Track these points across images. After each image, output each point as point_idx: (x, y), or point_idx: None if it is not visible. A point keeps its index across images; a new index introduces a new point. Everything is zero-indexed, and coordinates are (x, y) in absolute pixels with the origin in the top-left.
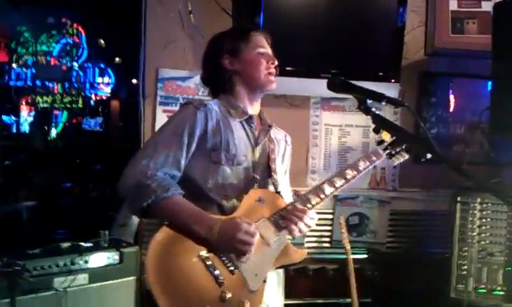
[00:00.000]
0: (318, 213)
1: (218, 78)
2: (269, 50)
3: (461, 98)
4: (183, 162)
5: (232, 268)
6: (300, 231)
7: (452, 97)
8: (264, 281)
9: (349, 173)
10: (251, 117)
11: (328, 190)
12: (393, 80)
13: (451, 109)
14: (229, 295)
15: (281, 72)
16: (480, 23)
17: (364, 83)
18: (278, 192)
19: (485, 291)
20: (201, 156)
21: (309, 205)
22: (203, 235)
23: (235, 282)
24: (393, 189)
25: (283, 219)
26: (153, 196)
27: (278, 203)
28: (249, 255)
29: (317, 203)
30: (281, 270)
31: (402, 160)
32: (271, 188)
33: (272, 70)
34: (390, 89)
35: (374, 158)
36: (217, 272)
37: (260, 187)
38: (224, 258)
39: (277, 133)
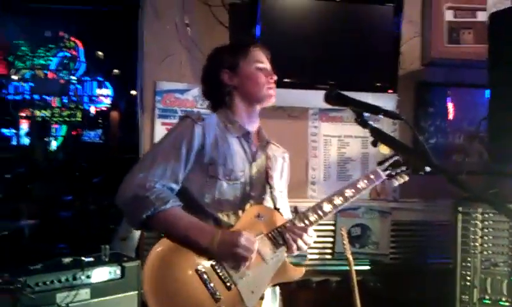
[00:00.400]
0: (319, 224)
1: (217, 93)
2: (267, 65)
3: (459, 107)
4: (181, 176)
5: (229, 283)
6: (299, 248)
7: (449, 107)
8: (261, 298)
9: (348, 192)
10: (248, 133)
11: (327, 208)
12: (390, 91)
13: (449, 119)
14: None
15: (279, 84)
16: (476, 33)
17: (361, 94)
18: (277, 209)
19: (490, 302)
20: (199, 170)
21: (307, 223)
22: (203, 245)
23: (232, 298)
24: (393, 200)
25: (282, 236)
26: (152, 208)
27: (277, 220)
28: (248, 264)
29: (316, 221)
30: (277, 287)
31: (402, 181)
32: (269, 204)
33: (272, 85)
34: (387, 100)
35: (374, 179)
36: (214, 287)
37: (256, 203)
38: (221, 274)
39: (275, 151)
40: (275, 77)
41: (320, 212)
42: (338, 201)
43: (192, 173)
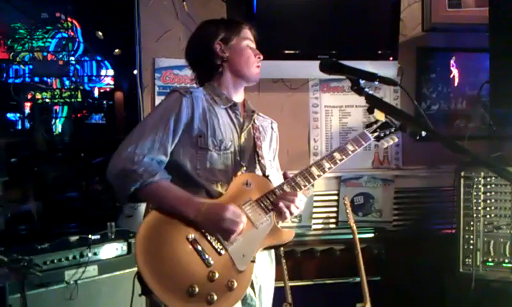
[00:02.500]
0: (323, 194)
1: (207, 63)
2: (254, 44)
3: (461, 72)
4: (169, 148)
5: (219, 249)
6: (290, 213)
7: (452, 72)
8: (253, 261)
9: (337, 156)
10: (235, 104)
11: (316, 172)
12: (391, 58)
13: (451, 84)
14: (217, 275)
15: (279, 56)
16: None
17: (362, 62)
18: (266, 176)
19: (493, 264)
20: (189, 142)
21: (297, 187)
22: (190, 216)
23: (223, 262)
24: (396, 167)
25: (271, 202)
26: (140, 181)
27: (266, 186)
28: (237, 236)
29: (305, 186)
30: (272, 251)
31: (391, 142)
32: (259, 172)
33: (259, 64)
34: (389, 67)
35: (362, 141)
36: (204, 253)
37: (246, 171)
38: (211, 240)
39: (262, 121)
40: (262, 57)
41: (309, 177)
42: (327, 164)
43: (183, 146)
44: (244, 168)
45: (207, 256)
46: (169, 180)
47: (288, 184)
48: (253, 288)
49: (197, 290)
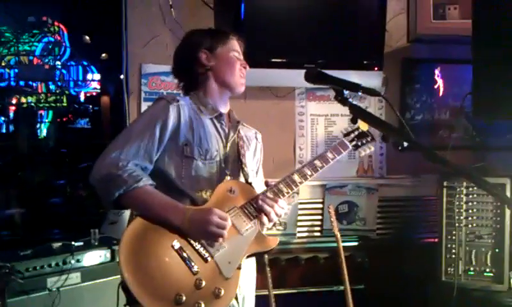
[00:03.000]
0: (308, 202)
1: (192, 72)
2: (241, 57)
3: (446, 83)
4: (154, 155)
5: (205, 256)
6: (270, 220)
7: (436, 83)
8: (239, 268)
9: (318, 163)
10: (221, 114)
11: (298, 179)
12: (376, 68)
13: (435, 95)
14: (204, 283)
15: (266, 64)
16: (462, 9)
17: (348, 72)
18: (249, 183)
19: (474, 273)
20: (175, 150)
21: (280, 194)
22: (175, 223)
23: (210, 270)
24: (380, 176)
25: (254, 208)
26: (125, 187)
27: (250, 193)
28: (222, 241)
29: (287, 192)
30: (254, 261)
31: (368, 151)
32: (242, 180)
33: (244, 75)
34: (374, 77)
35: (341, 149)
36: (190, 260)
37: (231, 179)
38: (197, 247)
39: (247, 131)
40: (248, 68)
41: (291, 184)
42: (308, 172)
43: (168, 154)
44: (229, 176)
45: (193, 264)
46: (154, 186)
47: (271, 191)
48: (236, 298)
49: (184, 298)
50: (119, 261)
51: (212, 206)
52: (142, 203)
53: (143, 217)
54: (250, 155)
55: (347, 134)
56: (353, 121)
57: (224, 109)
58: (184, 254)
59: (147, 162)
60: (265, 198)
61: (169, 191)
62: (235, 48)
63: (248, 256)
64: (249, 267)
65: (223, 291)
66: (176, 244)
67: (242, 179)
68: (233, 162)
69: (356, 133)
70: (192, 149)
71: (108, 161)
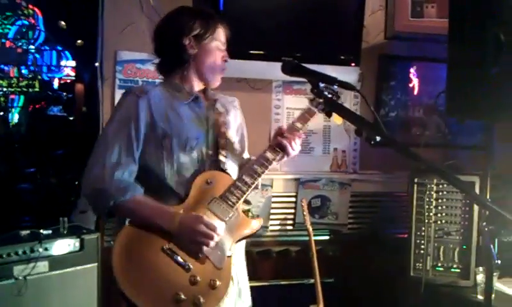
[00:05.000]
0: (281, 196)
1: (173, 55)
2: (225, 46)
3: (421, 81)
4: (136, 154)
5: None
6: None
7: (411, 80)
8: (229, 256)
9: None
10: (197, 97)
11: (270, 156)
12: (353, 64)
13: (410, 92)
14: (199, 278)
15: (243, 55)
16: (439, 7)
17: (325, 66)
18: (224, 170)
19: (442, 269)
20: (154, 143)
21: (255, 175)
22: (165, 228)
23: (202, 264)
24: (353, 172)
25: (233, 194)
26: (113, 201)
27: (227, 181)
28: (210, 248)
29: (263, 172)
30: (243, 251)
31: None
32: (229, 162)
33: (224, 68)
34: (350, 73)
35: (308, 116)
36: (182, 259)
37: (216, 165)
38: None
39: (225, 103)
40: (228, 60)
41: (266, 163)
42: (278, 149)
43: (148, 149)
44: (213, 162)
45: (185, 262)
46: (142, 192)
47: (247, 173)
48: (232, 280)
49: (183, 296)
50: (114, 274)
51: (192, 201)
52: (132, 213)
53: (131, 224)
54: (233, 129)
55: (311, 100)
56: (328, 114)
57: (199, 88)
58: (175, 255)
59: (131, 164)
60: (241, 183)
61: (155, 187)
62: (220, 38)
63: (236, 242)
64: (238, 254)
65: (218, 282)
66: (166, 246)
67: (229, 161)
68: (214, 145)
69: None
70: (171, 141)
71: (93, 176)
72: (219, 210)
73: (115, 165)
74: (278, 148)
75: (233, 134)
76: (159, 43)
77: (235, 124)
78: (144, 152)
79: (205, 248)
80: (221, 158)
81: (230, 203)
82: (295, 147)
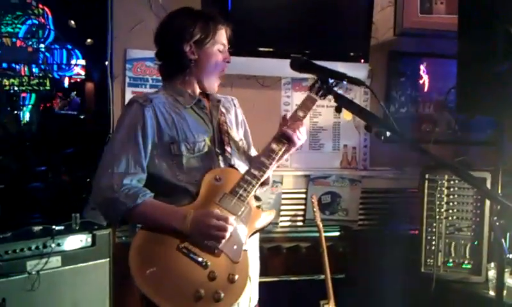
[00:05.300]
0: (291, 192)
1: (173, 59)
2: (226, 48)
3: (431, 77)
4: (145, 163)
5: (212, 249)
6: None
7: (421, 76)
8: (245, 250)
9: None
10: (199, 100)
11: (276, 147)
12: (362, 60)
13: (420, 89)
14: (217, 273)
15: (252, 53)
16: (449, 4)
17: (334, 63)
18: (232, 166)
19: (453, 265)
20: (163, 152)
21: (263, 167)
22: (178, 228)
23: (219, 260)
24: (364, 168)
25: (243, 188)
26: (124, 208)
27: (235, 176)
28: (225, 243)
29: (270, 164)
30: (257, 243)
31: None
32: (236, 159)
33: (224, 70)
34: (359, 69)
35: (310, 104)
36: (198, 256)
37: (225, 161)
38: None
39: (225, 103)
40: (230, 61)
41: (272, 154)
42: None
43: (157, 157)
44: (222, 161)
45: (201, 259)
46: (152, 196)
47: (254, 166)
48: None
49: (203, 292)
50: (133, 277)
51: (203, 200)
52: (144, 218)
53: (144, 229)
54: (235, 128)
55: (311, 87)
56: (337, 110)
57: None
58: (191, 254)
59: (140, 173)
60: (251, 176)
61: (167, 192)
62: (222, 40)
63: (250, 236)
64: (252, 248)
65: (236, 276)
66: (182, 246)
67: (235, 157)
68: (221, 144)
69: (318, 85)
70: (179, 146)
71: (103, 186)
72: (230, 205)
73: (123, 175)
74: (283, 138)
75: (236, 132)
76: (159, 48)
77: (237, 122)
78: (153, 160)
79: (220, 242)
80: (228, 155)
81: (240, 197)
82: (300, 136)
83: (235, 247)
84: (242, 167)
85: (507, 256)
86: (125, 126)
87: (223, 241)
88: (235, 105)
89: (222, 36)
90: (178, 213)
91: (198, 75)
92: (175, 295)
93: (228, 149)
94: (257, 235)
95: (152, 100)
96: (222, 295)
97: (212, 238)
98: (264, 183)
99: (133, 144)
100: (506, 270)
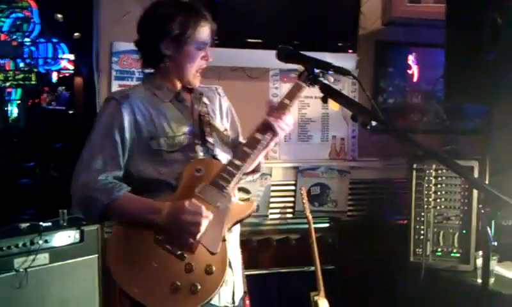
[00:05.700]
0: (280, 184)
1: (152, 53)
2: (208, 44)
3: (418, 67)
4: (122, 161)
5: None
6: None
7: (409, 66)
8: (223, 240)
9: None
10: (178, 93)
11: (260, 136)
12: (350, 51)
13: (408, 79)
14: (194, 264)
15: (240, 44)
16: None
17: (322, 54)
18: (215, 157)
19: (442, 254)
20: (142, 148)
21: (245, 157)
22: (154, 221)
23: (196, 251)
24: (352, 159)
25: (224, 178)
26: (101, 205)
27: (216, 167)
28: (201, 230)
29: (252, 153)
30: (238, 232)
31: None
32: (217, 151)
33: (203, 68)
34: (348, 60)
35: (297, 91)
36: (175, 249)
37: (207, 153)
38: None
39: (208, 93)
40: (210, 60)
41: (255, 144)
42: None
43: (137, 154)
44: (202, 153)
45: (178, 252)
46: (128, 190)
47: (237, 155)
48: (230, 266)
49: (179, 284)
50: (111, 273)
51: (184, 190)
52: (122, 213)
53: (120, 225)
54: (218, 119)
55: (300, 75)
56: (324, 100)
57: (180, 85)
58: (168, 246)
59: (116, 171)
60: (233, 167)
61: (151, 188)
62: (203, 38)
63: (230, 227)
64: (233, 240)
65: (214, 268)
66: (159, 238)
67: (217, 148)
68: (204, 135)
69: (306, 74)
70: (158, 141)
71: (79, 184)
72: (208, 195)
73: (99, 172)
74: (266, 127)
75: (220, 122)
76: (138, 38)
77: (221, 111)
78: (133, 157)
79: (195, 237)
80: (209, 146)
81: (221, 188)
82: (283, 126)
83: (213, 238)
84: (225, 157)
85: (493, 243)
86: (102, 123)
87: (199, 234)
88: (219, 94)
89: (204, 33)
90: (155, 207)
91: (174, 71)
92: (152, 288)
93: (210, 140)
94: (237, 229)
95: (129, 96)
96: (199, 287)
97: (186, 233)
98: (254, 171)
99: (110, 142)
100: (494, 258)
